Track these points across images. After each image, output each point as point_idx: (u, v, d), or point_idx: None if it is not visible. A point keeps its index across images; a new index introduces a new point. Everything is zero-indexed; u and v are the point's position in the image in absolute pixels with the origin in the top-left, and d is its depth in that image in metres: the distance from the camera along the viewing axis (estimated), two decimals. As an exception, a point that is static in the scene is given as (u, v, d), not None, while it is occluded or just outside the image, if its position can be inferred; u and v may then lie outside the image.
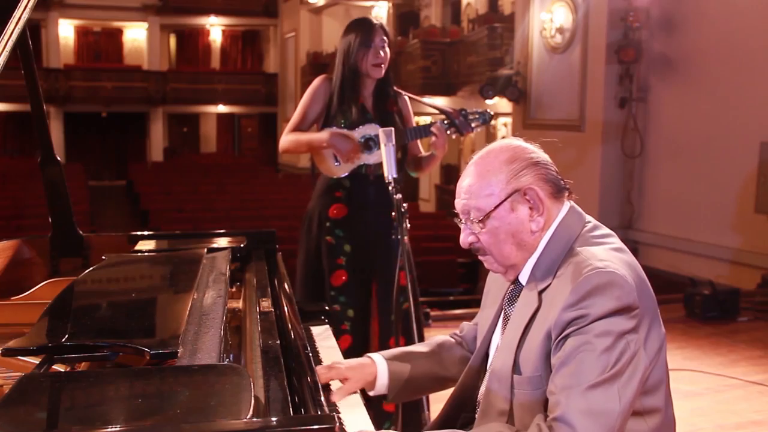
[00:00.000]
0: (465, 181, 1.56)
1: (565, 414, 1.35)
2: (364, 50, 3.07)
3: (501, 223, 1.52)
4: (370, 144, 3.09)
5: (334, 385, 1.80)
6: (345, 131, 3.09)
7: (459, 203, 1.57)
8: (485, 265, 1.60)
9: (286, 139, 3.18)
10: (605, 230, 1.57)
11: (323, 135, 3.08)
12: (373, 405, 2.93)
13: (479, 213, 1.52)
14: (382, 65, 3.10)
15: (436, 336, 1.90)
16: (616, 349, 1.37)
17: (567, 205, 1.56)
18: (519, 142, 1.58)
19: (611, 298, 1.38)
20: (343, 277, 3.10)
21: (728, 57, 7.13)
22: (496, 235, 1.53)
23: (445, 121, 3.13)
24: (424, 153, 3.28)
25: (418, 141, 3.29)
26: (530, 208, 1.51)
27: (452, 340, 1.88)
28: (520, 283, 1.58)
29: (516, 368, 1.49)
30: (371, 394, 1.81)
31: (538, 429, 1.37)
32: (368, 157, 3.10)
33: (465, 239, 1.57)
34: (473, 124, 3.15)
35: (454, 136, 3.19)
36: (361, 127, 3.11)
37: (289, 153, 3.25)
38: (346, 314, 3.08)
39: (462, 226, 1.58)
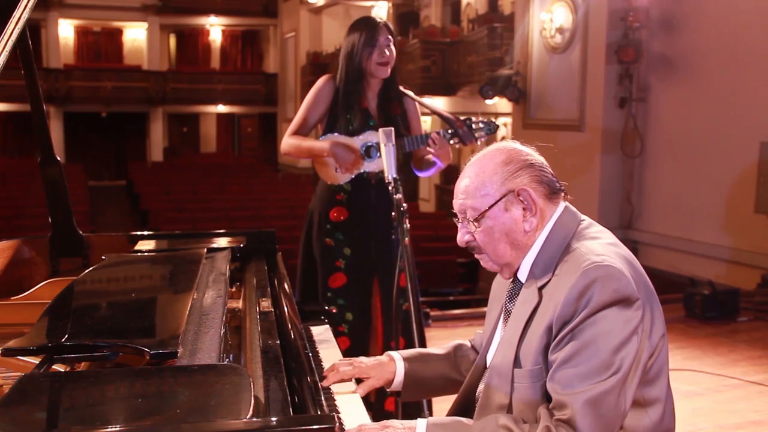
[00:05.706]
0: (462, 182, 1.62)
1: (571, 417, 1.38)
2: (369, 49, 3.01)
3: (495, 223, 1.57)
4: (371, 152, 3.04)
5: (336, 385, 1.82)
6: (346, 140, 3.05)
7: (456, 203, 1.63)
8: (481, 263, 1.66)
9: (288, 142, 3.14)
10: (599, 227, 1.61)
11: (324, 144, 3.03)
12: (375, 404, 2.95)
13: (475, 212, 1.58)
14: (388, 64, 3.05)
15: (455, 340, 1.95)
16: (621, 346, 1.41)
17: (562, 205, 1.61)
18: (515, 144, 1.63)
19: (609, 290, 1.43)
20: (342, 280, 3.07)
21: (728, 57, 7.12)
22: (490, 234, 1.58)
23: (449, 131, 3.04)
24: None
25: None
26: (524, 209, 1.57)
27: (468, 344, 1.92)
28: (520, 281, 1.62)
29: (517, 362, 1.53)
30: (388, 390, 1.85)
31: (547, 430, 1.39)
32: (368, 165, 3.06)
33: (461, 238, 1.63)
34: (477, 134, 3.05)
35: (457, 146, 3.11)
36: (363, 134, 3.06)
37: (290, 157, 3.21)
38: (344, 317, 3.05)
39: (459, 225, 1.64)
